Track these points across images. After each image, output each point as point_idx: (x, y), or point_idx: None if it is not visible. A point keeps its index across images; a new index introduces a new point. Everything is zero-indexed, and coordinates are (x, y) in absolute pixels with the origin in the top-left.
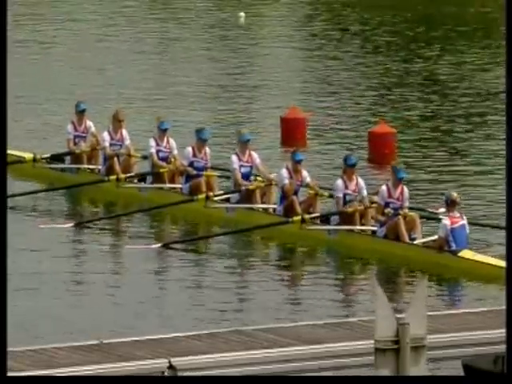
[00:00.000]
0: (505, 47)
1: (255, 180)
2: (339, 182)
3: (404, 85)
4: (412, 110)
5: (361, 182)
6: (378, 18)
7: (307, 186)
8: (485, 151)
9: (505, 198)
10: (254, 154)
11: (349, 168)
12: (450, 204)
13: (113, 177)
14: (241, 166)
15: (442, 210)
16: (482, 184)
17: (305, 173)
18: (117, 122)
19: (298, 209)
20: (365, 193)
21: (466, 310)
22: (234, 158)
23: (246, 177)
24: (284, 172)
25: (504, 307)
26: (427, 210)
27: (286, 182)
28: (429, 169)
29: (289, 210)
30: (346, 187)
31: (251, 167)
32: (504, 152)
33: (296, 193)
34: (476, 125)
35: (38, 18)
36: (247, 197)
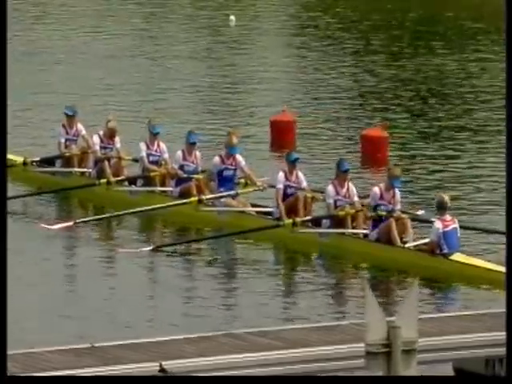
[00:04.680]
0: (504, 47)
1: (238, 183)
2: (330, 187)
3: (397, 87)
4: (405, 113)
5: (352, 187)
6: (370, 18)
7: (303, 190)
8: (480, 154)
9: (501, 202)
10: (239, 157)
11: (341, 174)
12: (441, 207)
13: (103, 180)
14: (224, 168)
15: (421, 211)
16: (477, 187)
17: (301, 176)
18: (109, 130)
19: (301, 210)
20: (356, 198)
21: (458, 313)
22: (217, 159)
23: (229, 180)
24: (281, 176)
25: (498, 310)
26: (408, 212)
27: (280, 186)
28: (422, 172)
29: (287, 212)
30: (337, 193)
31: (235, 170)
32: (501, 154)
33: (293, 195)
34: (473, 127)
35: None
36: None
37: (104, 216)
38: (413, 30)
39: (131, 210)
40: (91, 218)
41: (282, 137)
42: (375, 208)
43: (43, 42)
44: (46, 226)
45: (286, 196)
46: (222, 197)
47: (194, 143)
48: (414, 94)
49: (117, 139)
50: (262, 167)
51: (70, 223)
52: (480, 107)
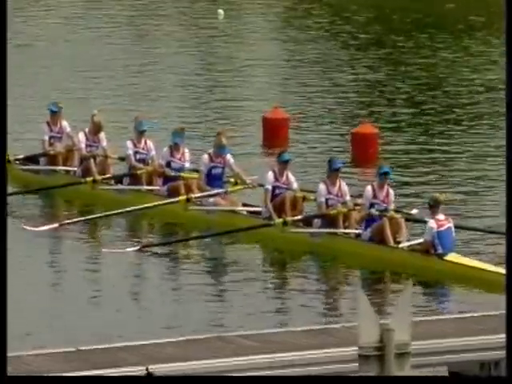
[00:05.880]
0: (504, 48)
1: (228, 182)
2: (322, 186)
3: (390, 84)
4: (398, 110)
5: (344, 186)
6: (362, 15)
7: (293, 191)
8: (479, 152)
9: (499, 200)
10: (228, 155)
11: (333, 172)
12: (434, 206)
13: (89, 178)
14: (213, 166)
15: (416, 210)
16: (475, 185)
17: (291, 177)
18: (94, 125)
19: (288, 210)
20: (348, 197)
21: (452, 316)
22: (206, 157)
23: (218, 178)
24: (270, 175)
25: (493, 312)
26: (402, 211)
27: (268, 187)
28: (415, 170)
29: (275, 212)
30: (329, 192)
31: (223, 168)
32: (501, 151)
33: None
34: (471, 123)
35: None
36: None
37: (90, 217)
38: (410, 25)
39: (119, 211)
40: (77, 220)
41: (274, 134)
42: (370, 207)
43: (30, 36)
44: (31, 228)
45: (274, 197)
46: (210, 195)
47: (175, 143)
48: (410, 91)
49: (102, 136)
50: (254, 165)
51: (56, 225)
52: (478, 102)
